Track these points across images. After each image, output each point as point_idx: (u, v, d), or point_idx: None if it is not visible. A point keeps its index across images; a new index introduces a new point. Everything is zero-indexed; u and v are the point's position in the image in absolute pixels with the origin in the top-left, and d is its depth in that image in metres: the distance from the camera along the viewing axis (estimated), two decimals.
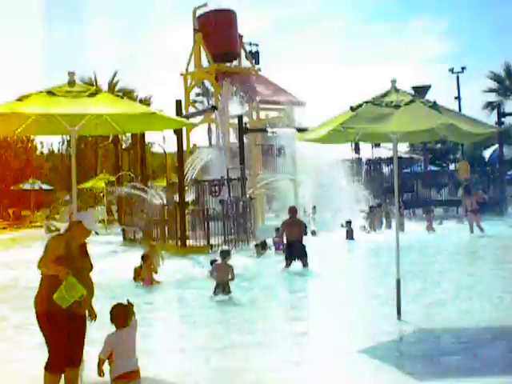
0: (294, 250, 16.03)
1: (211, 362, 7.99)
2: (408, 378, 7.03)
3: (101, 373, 6.13)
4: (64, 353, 6.28)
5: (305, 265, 15.99)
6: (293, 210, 16.82)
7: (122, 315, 6.17)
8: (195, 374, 7.56)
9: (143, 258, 14.56)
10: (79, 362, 6.30)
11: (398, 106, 8.94)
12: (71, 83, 7.55)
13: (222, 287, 12.34)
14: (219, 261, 12.93)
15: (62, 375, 6.37)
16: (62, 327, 6.21)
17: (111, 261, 19.16)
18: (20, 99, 7.35)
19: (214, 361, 8.06)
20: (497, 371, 7.07)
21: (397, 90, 9.46)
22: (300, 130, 23.89)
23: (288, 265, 16.04)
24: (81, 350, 6.36)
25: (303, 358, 8.20)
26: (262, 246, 19.22)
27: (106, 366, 6.17)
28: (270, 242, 19.97)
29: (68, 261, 6.25)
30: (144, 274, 14.29)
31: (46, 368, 6.31)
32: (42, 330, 6.36)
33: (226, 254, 12.79)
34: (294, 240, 16.06)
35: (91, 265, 6.60)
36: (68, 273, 6.08)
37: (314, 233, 22.92)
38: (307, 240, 16.84)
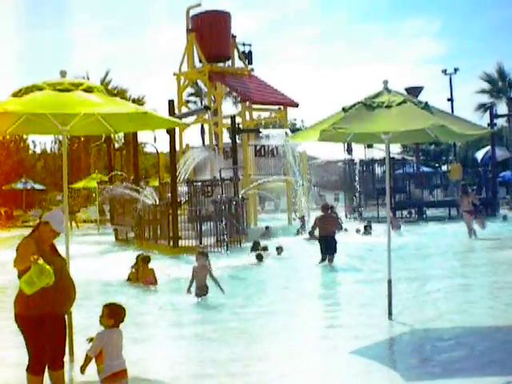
0: (328, 245, 16.50)
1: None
2: (399, 378, 7.05)
3: (85, 370, 6.06)
4: (44, 354, 6.23)
5: (330, 260, 16.50)
6: (326, 207, 17.40)
7: (117, 315, 6.14)
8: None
9: (140, 258, 14.40)
10: (62, 365, 6.23)
11: (389, 107, 8.95)
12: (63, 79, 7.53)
13: (202, 289, 12.21)
14: (196, 263, 12.51)
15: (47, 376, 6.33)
16: (41, 329, 6.14)
17: (103, 261, 19.12)
18: (14, 95, 7.32)
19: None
20: (488, 371, 7.07)
21: (389, 91, 9.47)
22: (293, 131, 23.96)
23: (323, 259, 16.53)
24: (62, 352, 6.30)
25: (295, 355, 8.22)
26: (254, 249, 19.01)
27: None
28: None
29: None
30: (141, 274, 14.07)
31: (28, 370, 6.27)
32: (22, 332, 6.30)
33: (202, 256, 12.56)
34: (327, 235, 16.53)
35: (64, 262, 6.52)
36: (38, 258, 5.97)
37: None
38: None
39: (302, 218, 27.77)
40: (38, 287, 5.92)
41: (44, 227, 6.39)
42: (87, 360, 6.07)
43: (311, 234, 21.39)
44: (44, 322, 6.15)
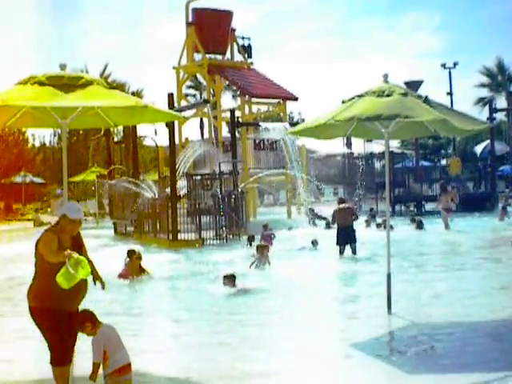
0: (346, 236, 16.94)
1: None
2: (397, 372, 7.07)
3: (95, 378, 5.99)
4: (65, 344, 6.20)
5: (353, 252, 17.00)
6: (342, 200, 18.25)
7: (87, 319, 6.06)
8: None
9: (129, 253, 14.36)
10: (71, 359, 6.22)
11: (390, 96, 8.96)
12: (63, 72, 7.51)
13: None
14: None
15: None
16: (57, 320, 6.13)
17: (101, 255, 19.09)
18: (16, 85, 7.30)
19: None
20: (487, 366, 7.09)
21: (389, 85, 9.46)
22: (292, 124, 23.97)
23: (342, 251, 16.99)
24: (73, 345, 6.27)
25: (291, 348, 8.24)
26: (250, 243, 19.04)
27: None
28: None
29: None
30: (130, 269, 14.03)
31: (52, 362, 6.23)
32: (38, 325, 6.27)
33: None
34: (345, 226, 16.97)
35: (87, 257, 6.42)
36: (71, 252, 6.00)
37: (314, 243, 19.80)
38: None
39: (312, 211, 27.81)
40: (76, 280, 5.94)
41: (63, 221, 6.40)
42: (96, 367, 5.98)
43: (329, 226, 22.59)
44: (60, 315, 6.15)
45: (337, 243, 17.11)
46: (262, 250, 15.36)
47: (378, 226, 23.98)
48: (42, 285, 6.17)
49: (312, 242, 18.90)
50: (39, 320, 6.24)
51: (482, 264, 15.73)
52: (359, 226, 19.76)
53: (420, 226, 24.13)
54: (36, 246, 6.30)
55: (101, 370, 6.05)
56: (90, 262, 6.36)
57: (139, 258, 14.31)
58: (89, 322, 6.04)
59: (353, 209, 18.37)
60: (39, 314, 6.21)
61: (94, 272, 6.54)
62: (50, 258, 6.06)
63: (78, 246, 6.44)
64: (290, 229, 24.08)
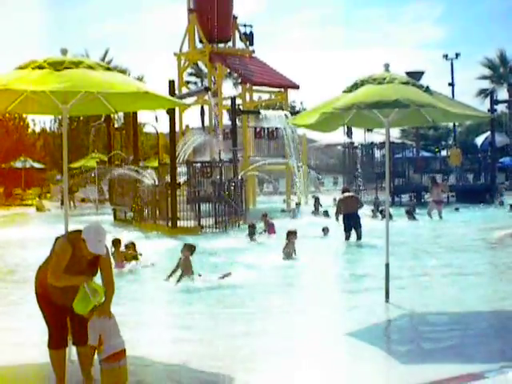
0: (351, 221, 17.78)
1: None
2: (392, 360, 7.11)
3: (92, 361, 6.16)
4: (62, 328, 6.32)
5: (359, 237, 17.80)
6: (346, 189, 19.44)
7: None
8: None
9: (113, 242, 14.17)
10: (86, 340, 6.22)
11: (391, 82, 8.96)
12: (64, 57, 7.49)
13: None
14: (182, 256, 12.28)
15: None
16: (60, 306, 6.21)
17: None
18: (16, 70, 7.28)
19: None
20: (484, 357, 7.12)
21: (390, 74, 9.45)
22: (293, 113, 23.95)
23: (348, 237, 17.80)
24: (84, 328, 6.25)
25: (288, 334, 8.28)
26: (250, 232, 19.02)
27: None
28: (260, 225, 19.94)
29: (72, 267, 6.16)
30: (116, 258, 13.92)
31: (48, 345, 6.37)
32: (40, 308, 6.40)
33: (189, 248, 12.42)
34: (351, 212, 17.80)
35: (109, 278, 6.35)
36: (87, 279, 6.11)
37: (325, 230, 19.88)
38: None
39: (317, 200, 27.90)
40: (92, 306, 6.03)
41: (82, 244, 6.17)
42: (91, 350, 6.10)
43: (327, 215, 23.69)
44: (65, 300, 6.21)
45: (344, 229, 17.89)
46: (291, 236, 15.01)
47: (382, 212, 24.15)
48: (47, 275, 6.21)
49: (323, 230, 19.27)
50: (41, 303, 6.37)
51: (479, 251, 15.92)
52: (364, 217, 19.99)
53: (412, 217, 24.32)
54: (54, 244, 6.38)
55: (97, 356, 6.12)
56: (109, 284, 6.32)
57: (131, 245, 14.20)
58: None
59: (357, 197, 19.42)
60: (42, 299, 6.34)
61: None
62: (52, 280, 6.11)
63: (95, 263, 6.31)
64: (283, 211, 24.09)
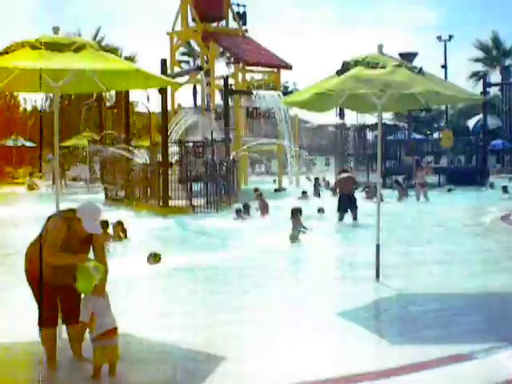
0: (346, 202, 17.90)
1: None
2: (381, 340, 7.16)
3: (82, 336, 6.21)
4: (53, 306, 6.30)
5: (354, 218, 17.84)
6: (345, 170, 20.19)
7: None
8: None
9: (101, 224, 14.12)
10: (76, 319, 6.21)
11: (384, 67, 8.93)
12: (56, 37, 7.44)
13: None
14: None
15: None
16: (51, 285, 6.18)
17: None
18: (5, 51, 7.22)
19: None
20: (473, 337, 7.16)
21: (383, 55, 9.43)
22: (285, 93, 23.93)
23: (341, 218, 17.93)
24: (75, 307, 6.25)
25: (278, 314, 8.31)
26: (244, 210, 19.14)
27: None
28: (254, 205, 19.99)
29: (66, 245, 6.13)
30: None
31: (38, 323, 6.35)
32: (31, 286, 6.37)
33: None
34: (346, 193, 17.98)
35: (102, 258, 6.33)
36: (85, 258, 6.11)
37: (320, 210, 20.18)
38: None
39: (317, 180, 28.04)
40: (95, 283, 6.00)
41: (77, 223, 6.13)
42: (83, 326, 6.11)
43: (334, 192, 23.09)
44: (55, 278, 6.21)
45: (338, 210, 18.00)
46: (296, 213, 14.92)
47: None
48: (38, 254, 6.15)
49: (318, 210, 19.38)
50: (32, 281, 6.33)
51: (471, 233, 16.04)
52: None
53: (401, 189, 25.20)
54: (46, 222, 6.31)
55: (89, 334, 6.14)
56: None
57: (119, 224, 14.20)
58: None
59: (354, 178, 19.69)
60: (32, 276, 6.30)
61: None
62: (50, 259, 6.07)
63: (88, 242, 6.28)
64: (277, 191, 24.13)
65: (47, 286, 6.18)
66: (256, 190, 20.67)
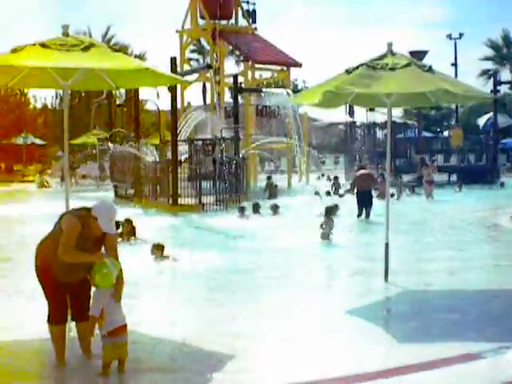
0: (365, 199, 18.14)
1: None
2: (391, 339, 7.15)
3: (93, 332, 6.21)
4: (63, 304, 6.32)
5: (367, 215, 18.07)
6: (362, 166, 20.24)
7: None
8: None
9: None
10: (86, 317, 6.24)
11: (393, 69, 8.91)
12: (65, 35, 7.47)
13: None
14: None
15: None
16: (61, 282, 6.20)
17: None
18: (14, 50, 7.26)
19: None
20: (482, 337, 7.14)
21: (393, 54, 9.40)
22: (295, 91, 23.94)
23: (360, 213, 18.11)
24: (86, 303, 6.30)
25: (288, 313, 8.29)
26: (254, 209, 19.23)
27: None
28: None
29: (79, 244, 6.13)
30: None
31: (48, 320, 6.37)
32: (40, 282, 6.38)
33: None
34: (365, 190, 18.23)
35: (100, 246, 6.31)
36: (101, 255, 6.13)
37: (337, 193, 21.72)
38: None
39: (336, 179, 27.94)
40: (112, 280, 6.05)
41: (92, 221, 6.13)
42: (92, 320, 6.10)
43: (352, 191, 22.96)
44: (65, 276, 6.23)
45: (357, 205, 18.27)
46: (330, 212, 14.84)
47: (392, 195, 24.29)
48: (52, 251, 6.15)
49: (315, 193, 20.41)
50: (41, 277, 6.35)
51: (481, 232, 16.04)
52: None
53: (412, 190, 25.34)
54: (59, 220, 6.30)
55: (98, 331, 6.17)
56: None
57: (128, 222, 14.15)
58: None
59: (372, 175, 20.13)
60: (42, 273, 6.31)
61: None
62: (65, 257, 6.06)
63: (100, 241, 6.27)
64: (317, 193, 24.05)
65: (57, 283, 6.20)
66: (269, 178, 20.83)
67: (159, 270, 11.30)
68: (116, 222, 13.05)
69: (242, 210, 18.89)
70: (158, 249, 11.80)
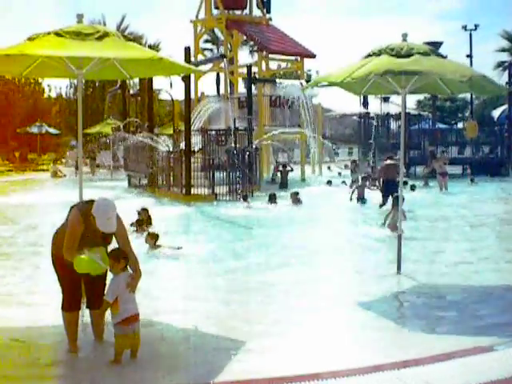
0: (390, 188, 17.75)
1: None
2: (403, 331, 7.15)
3: (104, 315, 6.30)
4: (76, 291, 6.42)
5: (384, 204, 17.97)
6: (390, 157, 19.91)
7: (122, 257, 6.18)
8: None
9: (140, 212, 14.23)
10: (100, 304, 6.28)
11: (408, 56, 8.81)
12: (80, 24, 7.49)
13: None
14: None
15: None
16: (73, 270, 6.20)
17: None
18: (30, 39, 7.28)
19: None
20: (495, 331, 7.12)
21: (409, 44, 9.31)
22: (308, 82, 23.80)
23: (384, 202, 18.06)
24: (100, 290, 6.33)
25: (300, 308, 8.28)
26: (269, 200, 19.41)
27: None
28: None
29: (87, 237, 6.20)
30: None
31: (63, 308, 6.46)
32: (56, 270, 6.48)
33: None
34: (390, 179, 18.19)
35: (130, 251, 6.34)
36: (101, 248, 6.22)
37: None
38: None
39: (354, 162, 28.16)
40: (101, 269, 6.10)
41: (93, 219, 6.15)
42: (106, 305, 6.15)
43: (378, 182, 22.99)
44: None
45: (382, 195, 18.33)
46: (397, 202, 13.36)
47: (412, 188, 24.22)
48: (63, 240, 6.26)
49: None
50: (57, 265, 6.45)
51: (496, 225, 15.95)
52: None
53: (412, 188, 24.62)
54: (69, 212, 6.40)
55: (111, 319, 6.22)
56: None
57: (144, 211, 14.24)
58: (123, 259, 6.15)
59: (398, 165, 19.13)
60: (57, 260, 6.39)
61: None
62: (68, 257, 6.13)
63: (109, 236, 6.30)
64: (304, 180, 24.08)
65: (71, 271, 6.22)
66: (284, 166, 21.05)
67: (171, 259, 11.32)
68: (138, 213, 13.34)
69: (245, 197, 19.61)
70: (152, 238, 11.79)
